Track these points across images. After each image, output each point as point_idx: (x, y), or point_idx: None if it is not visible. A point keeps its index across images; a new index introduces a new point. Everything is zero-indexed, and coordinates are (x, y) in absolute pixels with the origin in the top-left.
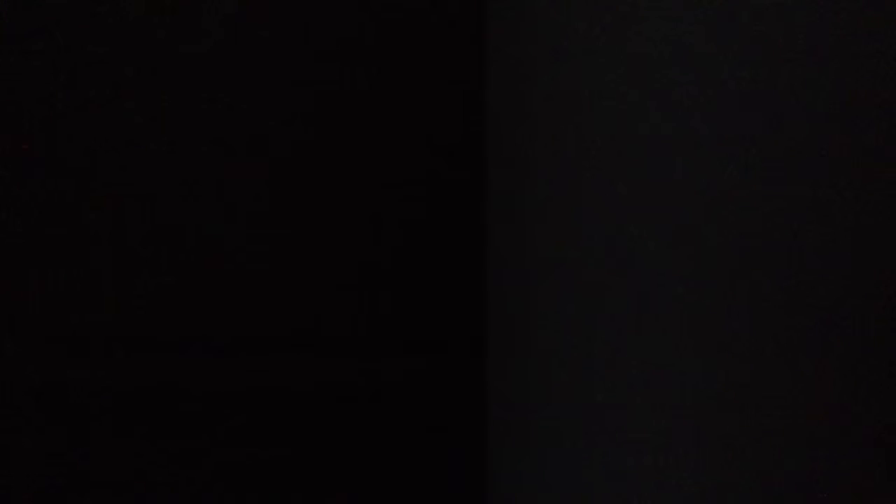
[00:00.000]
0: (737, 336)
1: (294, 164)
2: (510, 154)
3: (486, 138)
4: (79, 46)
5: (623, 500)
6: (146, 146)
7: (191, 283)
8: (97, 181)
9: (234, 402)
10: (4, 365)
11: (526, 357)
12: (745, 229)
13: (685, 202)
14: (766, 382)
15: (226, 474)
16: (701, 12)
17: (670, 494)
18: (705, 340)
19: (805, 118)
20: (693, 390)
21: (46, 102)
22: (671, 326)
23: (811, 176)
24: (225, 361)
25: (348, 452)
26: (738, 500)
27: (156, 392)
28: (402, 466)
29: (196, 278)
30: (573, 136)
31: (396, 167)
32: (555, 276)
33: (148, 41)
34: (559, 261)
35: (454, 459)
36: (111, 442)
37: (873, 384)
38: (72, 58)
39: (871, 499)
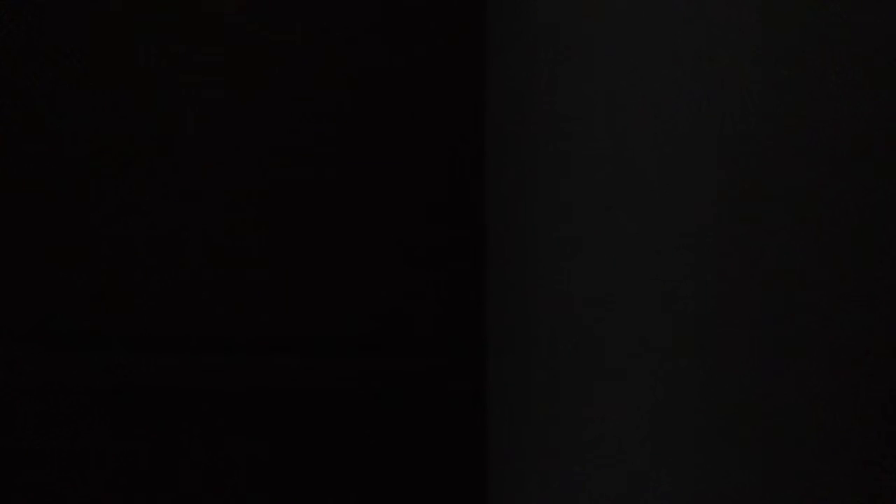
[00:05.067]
0: (738, 336)
1: (293, 164)
2: (510, 154)
3: (486, 138)
4: (80, 45)
5: (623, 500)
6: (145, 144)
7: (190, 283)
8: (98, 181)
9: (232, 402)
10: (4, 365)
11: (526, 357)
12: (746, 229)
13: (686, 202)
14: (768, 382)
15: (226, 474)
16: (701, 12)
17: (670, 495)
18: (706, 340)
19: (805, 118)
20: (694, 391)
21: (48, 101)
22: (672, 326)
23: (812, 176)
24: (224, 361)
25: (348, 453)
26: (738, 501)
27: (156, 392)
28: (401, 467)
29: (196, 278)
30: (573, 136)
31: (396, 167)
32: (555, 276)
33: (151, 41)
34: (559, 261)
35: (454, 460)
36: (110, 442)
37: (873, 384)
38: (74, 57)
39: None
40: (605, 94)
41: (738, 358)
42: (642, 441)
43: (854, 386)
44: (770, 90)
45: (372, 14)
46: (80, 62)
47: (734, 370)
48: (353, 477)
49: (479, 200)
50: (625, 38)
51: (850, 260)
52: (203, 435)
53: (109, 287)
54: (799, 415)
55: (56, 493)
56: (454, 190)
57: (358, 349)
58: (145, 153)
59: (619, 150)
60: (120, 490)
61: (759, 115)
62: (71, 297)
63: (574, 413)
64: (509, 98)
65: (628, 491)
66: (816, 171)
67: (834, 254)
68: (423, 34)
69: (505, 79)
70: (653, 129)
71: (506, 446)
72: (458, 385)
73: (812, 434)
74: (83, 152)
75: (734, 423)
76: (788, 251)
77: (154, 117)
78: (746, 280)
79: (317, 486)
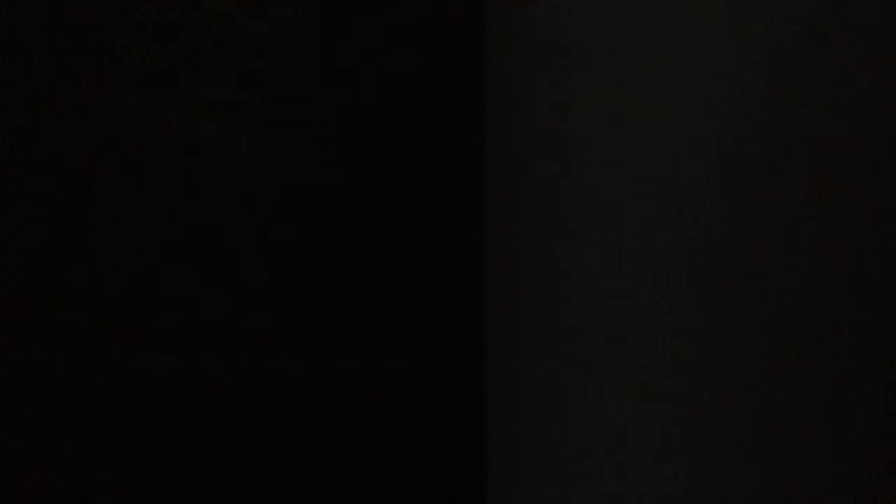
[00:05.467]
0: (737, 337)
1: (293, 164)
2: (510, 154)
3: (486, 138)
4: (80, 44)
5: (623, 500)
6: (145, 144)
7: (190, 283)
8: (98, 180)
9: (232, 402)
10: (4, 365)
11: (526, 358)
12: (745, 230)
13: (685, 203)
14: (767, 382)
15: (226, 474)
16: (701, 12)
17: (670, 495)
18: (706, 340)
19: (805, 118)
20: (693, 391)
21: (48, 102)
22: (671, 327)
23: (812, 175)
24: (224, 361)
25: (347, 452)
26: (738, 501)
27: (156, 392)
28: (401, 466)
29: (196, 278)
30: (573, 136)
31: (396, 168)
32: (554, 276)
33: (151, 41)
34: (559, 261)
35: (454, 460)
36: (110, 442)
37: (873, 384)
38: (74, 56)
39: (872, 499)
40: (605, 93)
41: (738, 358)
42: (642, 441)
43: (854, 386)
44: (769, 90)
45: (372, 14)
46: (79, 62)
47: (734, 371)
48: (353, 477)
49: (479, 200)
50: (624, 38)
51: (850, 260)
52: (203, 435)
53: (109, 287)
54: (799, 415)
55: (56, 493)
56: (454, 190)
57: (358, 349)
58: (145, 153)
59: (618, 149)
60: (120, 490)
61: (758, 114)
62: (71, 297)
63: (574, 413)
64: (509, 98)
65: (628, 491)
66: (816, 170)
67: (834, 254)
68: (423, 34)
69: (505, 79)
70: (653, 129)
71: (506, 446)
72: (458, 385)
73: (812, 434)
74: (83, 152)
75: (734, 424)
76: (788, 251)
77: (154, 117)
78: (747, 280)
79: (316, 486)
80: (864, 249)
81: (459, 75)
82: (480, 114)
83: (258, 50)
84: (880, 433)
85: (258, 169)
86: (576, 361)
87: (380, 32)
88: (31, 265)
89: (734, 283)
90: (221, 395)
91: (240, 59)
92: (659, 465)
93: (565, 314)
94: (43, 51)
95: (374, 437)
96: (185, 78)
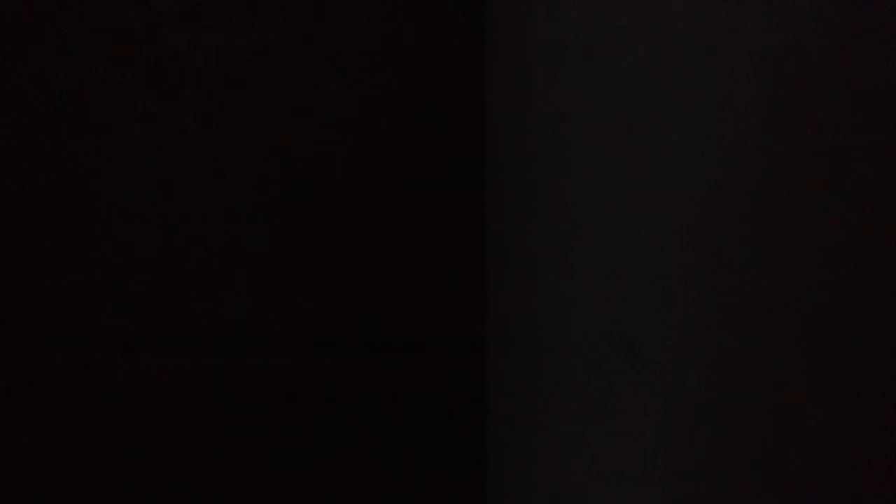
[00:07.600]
0: (739, 335)
1: (294, 165)
2: (510, 154)
3: (486, 138)
4: (82, 45)
5: (623, 500)
6: (146, 144)
7: (191, 282)
8: (99, 181)
9: (233, 402)
10: (4, 365)
11: (526, 358)
12: (745, 228)
13: (685, 201)
14: (769, 381)
15: (226, 474)
16: (700, 12)
17: (670, 494)
18: (707, 339)
19: (805, 117)
20: (694, 390)
21: (48, 101)
22: (672, 326)
23: (812, 174)
24: (224, 361)
25: (347, 452)
26: (738, 500)
27: (156, 392)
28: (401, 466)
29: (196, 278)
30: (573, 136)
31: (396, 167)
32: (555, 275)
33: (155, 42)
34: (559, 261)
35: (454, 459)
36: (110, 442)
37: (873, 384)
38: (76, 56)
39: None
40: (606, 94)
41: (738, 358)
42: (642, 441)
43: (854, 386)
44: (769, 91)
45: (371, 14)
46: (79, 60)
47: (734, 370)
48: (353, 477)
49: (479, 201)
50: (624, 38)
51: (850, 259)
52: (203, 435)
53: (109, 287)
54: (800, 416)
55: (56, 493)
56: (454, 190)
57: (358, 349)
58: (146, 152)
59: (618, 149)
60: (119, 490)
61: (757, 115)
62: (70, 296)
63: (573, 413)
64: (509, 98)
65: (628, 491)
66: (816, 170)
67: (834, 253)
68: (422, 35)
69: (505, 79)
70: (653, 129)
71: (506, 446)
72: (458, 385)
73: (812, 435)
74: (83, 152)
75: (735, 424)
76: (788, 251)
77: (155, 117)
78: (746, 280)
79: (316, 486)
80: (865, 249)
81: (459, 75)
82: (480, 114)
83: (258, 50)
84: (880, 433)
85: (258, 169)
86: (576, 361)
87: (380, 33)
88: (31, 265)
89: (734, 282)
90: (221, 395)
91: (239, 59)
92: (658, 465)
93: (565, 314)
94: (42, 49)
95: (374, 437)
96: (184, 78)
